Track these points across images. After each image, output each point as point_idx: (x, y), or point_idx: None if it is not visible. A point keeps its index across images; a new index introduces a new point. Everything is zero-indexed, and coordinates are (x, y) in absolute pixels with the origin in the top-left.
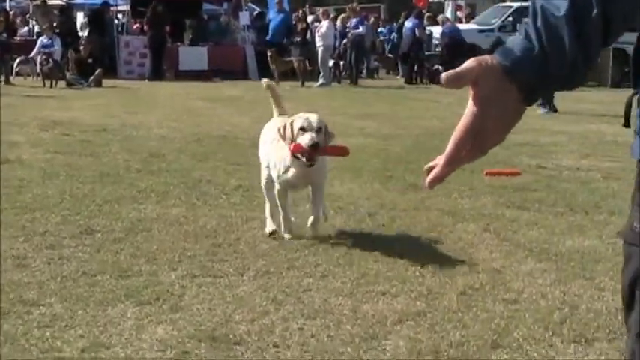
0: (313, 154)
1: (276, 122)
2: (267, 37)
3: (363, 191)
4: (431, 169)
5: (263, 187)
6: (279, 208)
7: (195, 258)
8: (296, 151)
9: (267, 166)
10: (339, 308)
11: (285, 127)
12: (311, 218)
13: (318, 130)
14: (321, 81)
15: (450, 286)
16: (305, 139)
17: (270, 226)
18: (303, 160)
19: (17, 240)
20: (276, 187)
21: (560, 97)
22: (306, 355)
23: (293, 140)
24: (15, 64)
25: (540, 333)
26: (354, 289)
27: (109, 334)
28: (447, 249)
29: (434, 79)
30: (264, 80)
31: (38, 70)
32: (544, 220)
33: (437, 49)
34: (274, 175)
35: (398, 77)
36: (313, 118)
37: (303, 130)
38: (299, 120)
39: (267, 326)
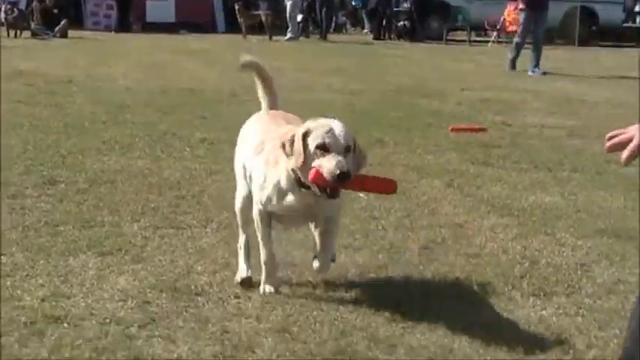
0: (340, 188)
1: (262, 119)
2: None
3: None
4: (613, 136)
5: (237, 210)
6: (261, 247)
7: (158, 210)
8: (317, 182)
9: (248, 181)
10: (301, 260)
11: (293, 141)
12: (316, 262)
13: (347, 150)
14: (289, 35)
15: (412, 241)
16: (330, 166)
17: (243, 271)
18: (321, 193)
19: None
20: (258, 215)
21: (526, 55)
22: (268, 307)
23: (305, 161)
24: None
25: (500, 287)
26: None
27: (70, 284)
28: (411, 204)
29: (401, 35)
30: (244, 59)
31: (2, 20)
32: (507, 176)
33: (405, 5)
34: (259, 198)
35: (365, 31)
36: (339, 129)
37: (324, 149)
38: (317, 132)
39: (229, 278)
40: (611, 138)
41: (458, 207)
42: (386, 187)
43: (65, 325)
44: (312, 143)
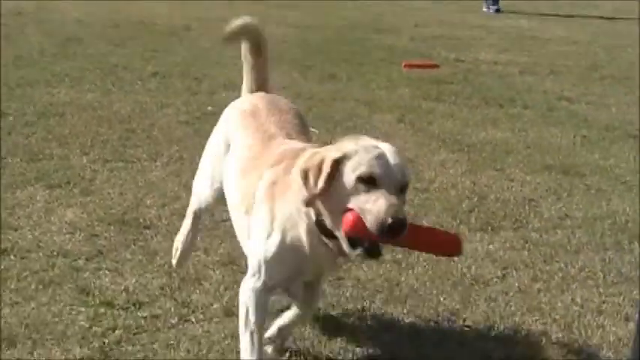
0: (385, 245)
1: (254, 117)
2: None
3: (281, 80)
4: None
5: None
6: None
7: (107, 143)
8: (354, 232)
9: (213, 191)
10: None
11: (320, 166)
12: (296, 312)
13: (403, 189)
14: None
15: None
16: (379, 210)
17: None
18: (354, 249)
19: None
20: (254, 296)
21: None
22: (216, 240)
23: (336, 200)
24: None
25: (448, 221)
26: None
27: (17, 216)
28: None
29: None
30: (236, 24)
31: None
32: (459, 112)
33: None
34: (259, 268)
35: None
36: (393, 156)
37: (370, 183)
38: (361, 157)
39: (178, 211)
40: None
41: (409, 142)
42: (448, 246)
43: (12, 257)
44: (353, 173)
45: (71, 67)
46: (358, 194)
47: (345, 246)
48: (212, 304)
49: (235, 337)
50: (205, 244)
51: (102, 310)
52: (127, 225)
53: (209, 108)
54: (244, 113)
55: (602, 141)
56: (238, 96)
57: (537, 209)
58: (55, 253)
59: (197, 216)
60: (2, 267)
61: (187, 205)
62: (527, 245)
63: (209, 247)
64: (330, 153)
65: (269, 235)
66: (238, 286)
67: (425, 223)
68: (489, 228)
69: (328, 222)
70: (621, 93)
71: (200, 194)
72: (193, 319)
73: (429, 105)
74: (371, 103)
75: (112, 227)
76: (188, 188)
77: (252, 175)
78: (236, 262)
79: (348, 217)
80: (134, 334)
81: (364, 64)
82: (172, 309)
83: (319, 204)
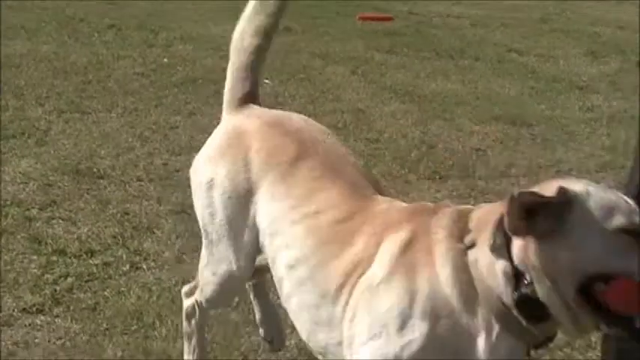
0: None
1: (278, 137)
2: None
3: (229, 28)
4: None
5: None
6: None
7: (63, 94)
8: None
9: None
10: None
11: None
12: None
13: None
14: None
15: None
16: None
17: None
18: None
19: None
20: None
21: None
22: (169, 189)
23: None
24: None
25: (397, 170)
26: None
27: None
28: (315, 90)
29: None
30: None
31: None
32: (411, 64)
33: None
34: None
35: None
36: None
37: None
38: (611, 202)
39: (132, 161)
40: None
41: (361, 93)
42: None
43: None
44: (606, 222)
45: (27, 18)
46: (619, 252)
47: (604, 324)
48: (163, 252)
49: (186, 282)
50: (158, 193)
51: (54, 258)
52: (80, 175)
53: (165, 60)
54: (280, 157)
55: (549, 92)
56: (196, 49)
57: (484, 158)
58: (8, 203)
59: (204, 315)
60: None
61: (141, 155)
62: (473, 193)
63: (162, 196)
64: (548, 191)
65: (405, 325)
66: (190, 234)
67: (375, 172)
68: (437, 177)
69: (548, 293)
70: (570, 45)
71: (219, 277)
72: (145, 267)
73: (382, 57)
74: (325, 56)
75: (66, 177)
76: (143, 138)
77: (349, 243)
78: (187, 211)
79: (620, 285)
80: (86, 281)
81: (319, 17)
82: (124, 257)
83: (531, 266)
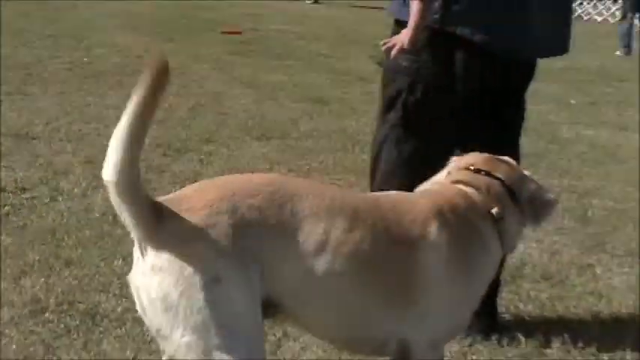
0: None
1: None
2: None
3: (137, 41)
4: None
5: None
6: None
7: (12, 83)
8: None
9: None
10: (107, 114)
11: None
12: None
13: None
14: None
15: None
16: None
17: None
18: None
19: None
20: None
21: None
22: (81, 146)
23: None
24: None
25: (238, 133)
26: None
27: None
28: (187, 79)
29: None
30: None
31: None
32: (253, 63)
33: None
34: None
35: None
36: None
37: None
38: None
39: (56, 128)
40: (385, 44)
41: (217, 82)
42: None
43: None
44: None
45: None
46: None
47: None
48: (74, 189)
49: (88, 210)
50: (73, 150)
51: None
52: (20, 137)
53: (85, 59)
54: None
55: (342, 82)
56: (107, 52)
57: (296, 126)
58: None
59: None
60: None
61: (64, 124)
62: (287, 149)
63: (75, 151)
64: None
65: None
66: (95, 178)
67: (222, 134)
68: (264, 138)
69: None
70: (359, 51)
71: None
72: (60, 199)
73: (234, 58)
74: (195, 57)
75: (10, 138)
76: (65, 113)
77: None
78: (94, 162)
79: None
80: (18, 209)
81: (193, 31)
82: (46, 192)
83: None
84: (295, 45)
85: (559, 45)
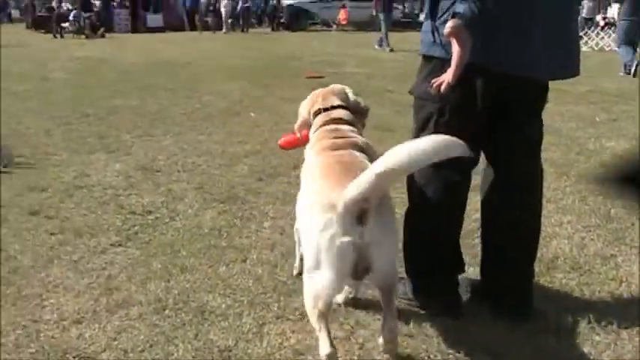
0: None
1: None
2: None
3: (238, 88)
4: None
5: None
6: None
7: (141, 127)
8: None
9: None
10: (214, 148)
11: None
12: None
13: None
14: (224, 30)
15: (272, 138)
16: None
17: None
18: None
19: None
20: None
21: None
22: (195, 177)
23: None
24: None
25: None
26: (226, 139)
27: None
28: (279, 117)
29: (285, 28)
30: None
31: (72, 29)
32: None
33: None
34: None
35: (266, 26)
36: None
37: None
38: None
39: (175, 161)
40: (435, 82)
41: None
42: None
43: None
44: None
45: (125, 86)
46: None
47: None
48: (188, 210)
49: (199, 227)
50: (187, 177)
51: (129, 216)
52: (146, 170)
53: (197, 105)
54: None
55: (404, 112)
56: (216, 99)
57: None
58: (107, 186)
59: None
60: None
61: (181, 158)
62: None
63: (189, 179)
64: None
65: None
66: (204, 201)
67: None
68: None
69: None
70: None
71: None
72: (177, 219)
73: None
74: (284, 98)
75: (139, 172)
76: (182, 149)
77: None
78: (204, 188)
79: None
80: (145, 228)
81: (283, 77)
82: (166, 214)
83: None
84: (366, 83)
85: (569, 69)
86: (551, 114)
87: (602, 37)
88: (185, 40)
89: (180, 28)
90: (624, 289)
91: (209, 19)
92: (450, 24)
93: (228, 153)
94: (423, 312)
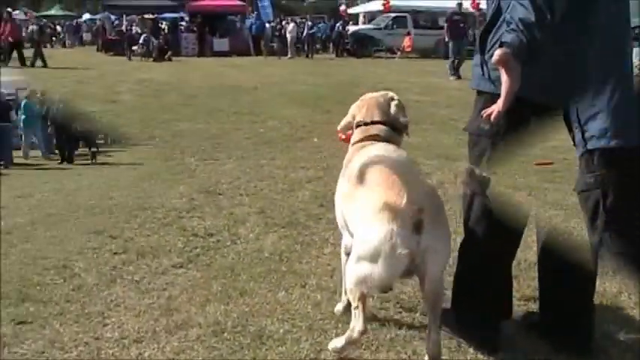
0: None
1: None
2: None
3: (299, 113)
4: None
5: None
6: None
7: (205, 151)
8: None
9: None
10: (277, 173)
11: None
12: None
13: None
14: (289, 56)
15: (334, 165)
16: None
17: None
18: None
19: None
20: None
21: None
22: (255, 200)
23: None
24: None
25: None
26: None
27: None
28: (338, 145)
29: (350, 54)
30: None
31: (140, 52)
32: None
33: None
34: None
35: (331, 52)
36: None
37: None
38: None
39: (237, 185)
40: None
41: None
42: None
43: None
44: None
45: (191, 110)
46: None
47: None
48: (249, 234)
49: (260, 251)
50: (249, 201)
51: (191, 238)
52: (209, 193)
53: (261, 130)
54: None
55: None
56: (279, 124)
57: (430, 179)
58: (170, 208)
59: None
60: None
61: (243, 182)
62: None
63: (250, 203)
64: None
65: None
66: (265, 225)
67: None
68: None
69: None
70: None
71: None
72: (238, 242)
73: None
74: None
75: (202, 195)
76: (245, 173)
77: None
78: (265, 212)
79: None
80: (206, 250)
81: (346, 104)
82: (227, 237)
83: None
84: (429, 111)
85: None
86: None
87: None
88: (250, 65)
89: (245, 53)
90: None
91: (274, 45)
92: (497, 52)
93: (291, 178)
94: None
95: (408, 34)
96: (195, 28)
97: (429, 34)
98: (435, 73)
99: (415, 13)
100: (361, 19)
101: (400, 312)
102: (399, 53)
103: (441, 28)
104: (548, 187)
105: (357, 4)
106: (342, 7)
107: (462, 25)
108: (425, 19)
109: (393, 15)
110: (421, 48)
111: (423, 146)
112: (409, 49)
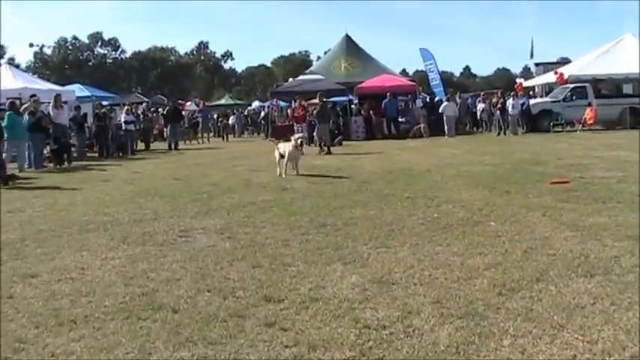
0: None
1: None
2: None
3: (476, 195)
4: None
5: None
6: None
7: (378, 238)
8: None
9: None
10: (453, 260)
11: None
12: None
13: None
14: (447, 135)
15: (514, 249)
16: None
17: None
18: None
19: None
20: None
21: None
22: (430, 294)
23: None
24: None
25: (565, 272)
26: (465, 250)
27: None
28: (521, 227)
29: (516, 131)
30: None
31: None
32: (578, 207)
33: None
34: None
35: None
36: None
37: None
38: None
39: (411, 272)
40: None
41: (547, 228)
42: None
43: None
44: None
45: (363, 196)
46: None
47: None
48: (424, 326)
49: (435, 344)
50: (424, 291)
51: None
52: (382, 283)
53: (435, 215)
54: None
55: None
56: (453, 208)
57: (619, 262)
58: (339, 300)
59: None
60: None
61: (420, 270)
62: (610, 284)
63: (425, 293)
64: None
65: None
66: (441, 316)
67: None
68: (589, 275)
69: None
70: None
71: None
72: (412, 334)
73: (562, 205)
74: (527, 206)
75: (375, 284)
76: (418, 260)
77: None
78: (441, 302)
79: None
80: (379, 343)
81: (526, 184)
82: (401, 329)
83: None
84: (618, 188)
85: None
86: None
87: None
88: (422, 147)
89: (416, 134)
90: None
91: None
92: None
93: (467, 265)
94: None
95: (589, 104)
96: (362, 112)
97: (612, 104)
98: (622, 146)
99: (596, 81)
100: (537, 90)
101: None
102: (579, 126)
103: (627, 96)
104: (563, 207)
105: (533, 77)
106: (519, 80)
107: None
108: (607, 87)
109: (572, 85)
110: (605, 119)
111: (610, 226)
112: (592, 122)
